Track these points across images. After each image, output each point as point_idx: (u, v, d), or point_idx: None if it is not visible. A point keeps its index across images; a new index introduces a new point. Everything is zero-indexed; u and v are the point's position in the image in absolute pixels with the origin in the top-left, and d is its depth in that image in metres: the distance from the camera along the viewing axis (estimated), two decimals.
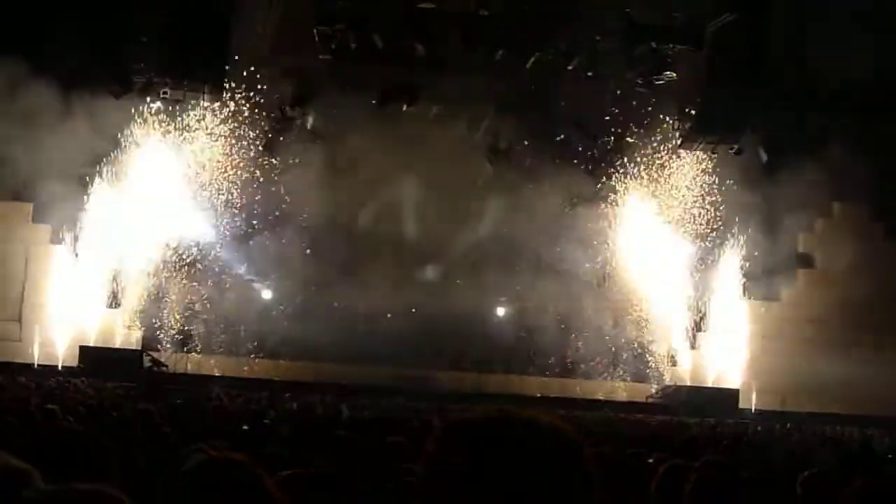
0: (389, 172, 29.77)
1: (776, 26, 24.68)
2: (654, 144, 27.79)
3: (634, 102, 27.30)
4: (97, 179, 26.44)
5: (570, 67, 27.32)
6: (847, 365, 27.48)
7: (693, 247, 28.60)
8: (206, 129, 27.04)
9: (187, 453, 4.63)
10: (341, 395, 20.64)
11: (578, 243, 28.63)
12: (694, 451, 10.14)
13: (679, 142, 26.63)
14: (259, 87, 27.62)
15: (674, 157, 27.83)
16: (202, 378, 24.66)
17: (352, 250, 29.58)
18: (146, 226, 27.21)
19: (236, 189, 28.16)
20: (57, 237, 26.54)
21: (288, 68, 28.12)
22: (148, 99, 25.78)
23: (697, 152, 26.85)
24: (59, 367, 24.89)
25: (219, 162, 27.50)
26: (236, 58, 25.84)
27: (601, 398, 26.84)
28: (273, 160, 29.12)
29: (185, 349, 28.00)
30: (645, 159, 28.16)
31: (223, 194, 28.05)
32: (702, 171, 27.75)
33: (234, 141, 27.34)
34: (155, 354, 27.06)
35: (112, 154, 26.47)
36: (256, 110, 27.86)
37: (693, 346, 28.91)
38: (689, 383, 27.95)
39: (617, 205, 28.69)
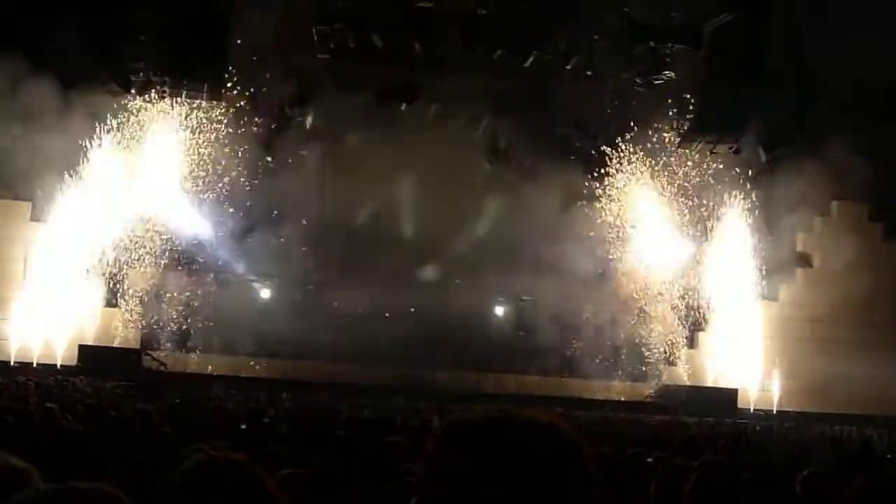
0: (389, 172, 29.76)
1: (775, 26, 24.69)
2: (653, 144, 27.80)
3: (633, 102, 27.31)
4: (98, 179, 26.41)
5: (568, 67, 27.33)
6: (846, 364, 27.51)
7: (692, 246, 28.61)
8: (205, 127, 27.03)
9: (186, 453, 4.63)
10: (340, 394, 20.63)
11: (577, 242, 28.63)
12: (693, 451, 10.14)
13: (678, 141, 26.63)
14: (258, 86, 27.62)
15: (672, 156, 27.83)
16: (201, 377, 24.65)
17: (351, 250, 29.57)
18: (145, 225, 27.23)
19: (235, 188, 28.15)
20: (54, 237, 26.49)
21: (287, 68, 28.11)
22: (147, 98, 25.77)
23: (696, 152, 26.85)
24: (58, 366, 24.88)
25: (218, 161, 27.47)
26: (235, 57, 25.83)
27: (600, 398, 26.83)
28: (272, 159, 29.12)
29: (184, 348, 27.98)
30: (644, 158, 28.16)
31: (222, 193, 28.04)
32: (700, 171, 27.75)
33: (233, 140, 27.32)
34: (154, 354, 27.05)
35: (111, 153, 26.44)
36: (256, 109, 27.85)
37: (692, 346, 28.93)
38: (688, 383, 27.97)
39: (616, 203, 28.68)
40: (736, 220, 28.17)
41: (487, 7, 26.04)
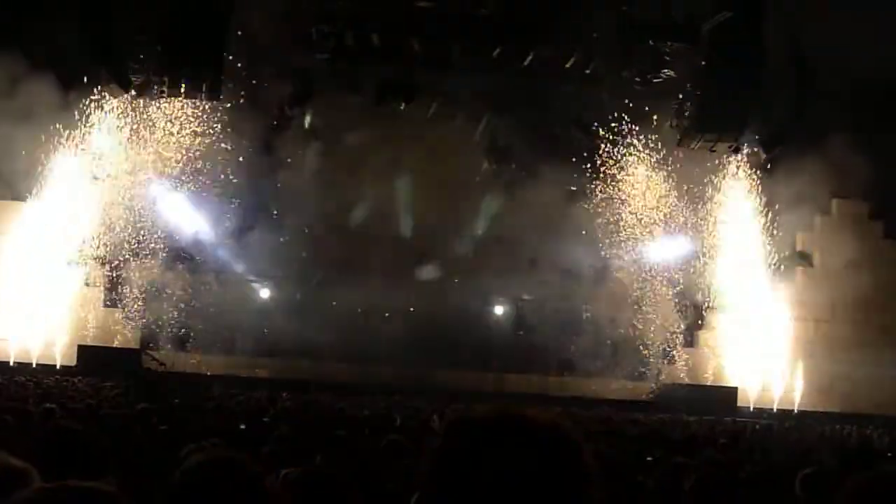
0: (388, 171, 29.77)
1: (774, 24, 24.66)
2: (652, 142, 27.79)
3: (632, 101, 27.29)
4: (97, 178, 26.40)
5: (567, 66, 27.31)
6: (846, 363, 27.52)
7: (691, 245, 28.61)
8: (205, 127, 27.01)
9: (186, 452, 4.63)
10: (340, 394, 20.62)
11: (577, 241, 28.64)
12: (693, 449, 10.15)
13: (677, 140, 26.61)
14: (258, 85, 27.60)
15: (672, 155, 27.81)
16: (200, 377, 24.64)
17: (350, 249, 29.57)
18: (145, 224, 27.23)
19: (235, 188, 28.14)
20: (53, 236, 26.49)
21: (286, 67, 28.10)
22: (146, 97, 25.75)
23: (696, 150, 26.83)
24: (58, 367, 24.87)
25: (217, 160, 27.46)
26: (235, 57, 25.82)
27: (600, 396, 26.82)
28: (271, 159, 29.11)
29: (184, 348, 27.98)
30: (643, 157, 28.16)
31: (222, 193, 28.03)
32: (700, 170, 27.73)
33: (232, 139, 27.31)
34: (153, 353, 27.05)
35: (112, 152, 26.44)
36: (255, 109, 27.82)
37: (691, 345, 28.94)
38: (687, 381, 27.98)
39: (615, 202, 28.67)
40: (736, 219, 28.16)
41: (486, 6, 26.02)
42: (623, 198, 28.54)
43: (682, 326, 28.77)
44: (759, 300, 28.33)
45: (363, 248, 29.60)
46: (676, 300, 28.64)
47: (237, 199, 28.53)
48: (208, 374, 26.01)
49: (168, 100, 25.53)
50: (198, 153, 27.16)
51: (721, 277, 28.38)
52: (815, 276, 28.96)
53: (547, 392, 26.83)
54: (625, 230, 28.82)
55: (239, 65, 26.31)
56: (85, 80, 24.81)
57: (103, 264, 26.96)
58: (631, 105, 27.33)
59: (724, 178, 27.87)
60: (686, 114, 25.84)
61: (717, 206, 28.12)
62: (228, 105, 26.51)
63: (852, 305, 27.95)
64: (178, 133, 26.81)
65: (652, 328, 28.60)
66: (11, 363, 24.74)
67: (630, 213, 28.66)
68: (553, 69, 27.49)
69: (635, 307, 28.69)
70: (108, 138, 26.31)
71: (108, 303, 27.45)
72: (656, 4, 25.78)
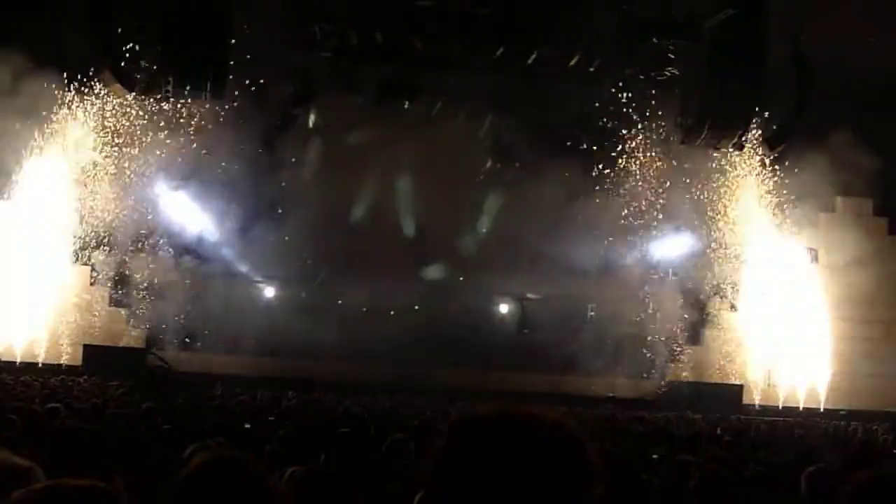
0: (390, 170, 29.79)
1: (776, 21, 24.60)
2: (656, 140, 27.76)
3: (635, 99, 27.25)
4: (98, 177, 26.44)
5: (571, 64, 27.29)
6: (851, 360, 27.48)
7: (696, 242, 28.58)
8: (208, 126, 27.02)
9: (190, 452, 4.64)
10: (344, 393, 20.64)
11: (580, 239, 28.61)
12: (697, 448, 10.15)
13: (681, 137, 26.58)
14: (260, 85, 27.61)
15: (675, 152, 27.78)
16: (205, 376, 24.66)
17: (353, 248, 29.58)
18: (149, 224, 27.27)
19: (238, 187, 28.16)
20: (54, 236, 26.51)
21: (289, 66, 28.11)
22: (150, 97, 25.76)
23: (699, 147, 26.79)
24: (63, 366, 24.91)
25: (220, 160, 27.48)
26: (237, 56, 25.83)
27: (604, 394, 26.82)
28: (274, 158, 29.13)
29: (189, 348, 28.02)
30: (646, 155, 28.13)
31: (225, 192, 28.06)
32: (704, 167, 27.70)
33: (235, 138, 27.32)
34: (158, 353, 27.09)
35: (113, 152, 26.47)
36: (258, 108, 27.84)
37: (696, 342, 28.91)
38: (692, 379, 27.96)
39: (619, 200, 28.64)
40: (740, 216, 28.12)
41: (489, 5, 26.01)
42: (627, 195, 28.51)
43: (687, 324, 28.75)
44: (765, 297, 28.28)
45: (367, 247, 29.61)
46: (681, 298, 28.62)
47: (240, 198, 28.56)
48: (213, 372, 26.04)
49: (171, 99, 25.54)
50: (201, 153, 27.18)
51: (726, 275, 28.35)
52: (821, 273, 28.90)
53: (551, 391, 26.82)
54: (629, 228, 28.80)
55: (241, 64, 26.32)
56: (87, 79, 24.84)
57: (108, 264, 26.99)
58: (634, 103, 27.30)
59: (727, 175, 27.83)
60: (690, 111, 25.79)
61: (722, 203, 28.08)
62: (231, 105, 26.54)
63: (857, 302, 27.90)
64: (180, 132, 26.83)
65: (656, 326, 28.58)
66: (17, 363, 24.79)
67: (634, 210, 28.62)
68: (555, 68, 27.47)
69: (640, 305, 28.67)
70: (111, 138, 26.32)
71: (113, 302, 27.50)
72: (656, 3, 25.74)
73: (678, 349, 28.74)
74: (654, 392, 27.96)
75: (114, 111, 26.08)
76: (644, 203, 28.49)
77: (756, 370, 27.82)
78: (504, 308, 32.09)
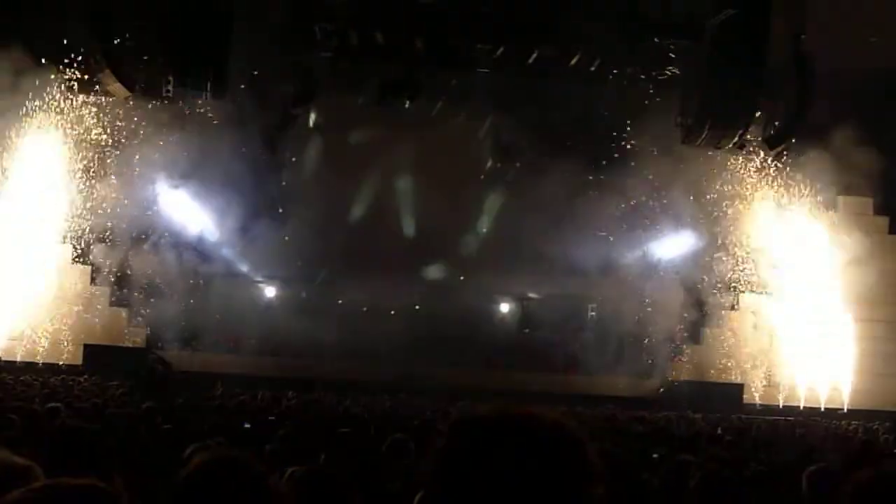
0: (392, 169, 29.80)
1: (777, 21, 24.60)
2: (657, 139, 27.75)
3: (637, 98, 27.25)
4: (98, 176, 26.44)
5: (572, 63, 27.28)
6: (852, 359, 27.46)
7: (697, 240, 28.59)
8: (209, 126, 27.03)
9: (190, 452, 4.64)
10: (344, 392, 20.65)
11: (581, 238, 28.62)
12: (698, 447, 10.14)
13: (682, 136, 26.58)
14: (261, 84, 27.62)
15: (676, 151, 27.78)
16: (205, 376, 24.67)
17: (354, 248, 29.60)
18: (150, 223, 27.29)
19: (239, 186, 28.16)
20: (55, 236, 26.52)
21: (289, 65, 28.11)
22: (151, 97, 25.77)
23: (700, 147, 26.80)
24: (63, 366, 24.92)
25: (221, 159, 27.48)
26: (238, 56, 25.84)
27: (604, 394, 26.81)
28: (275, 157, 29.13)
29: (190, 347, 28.03)
30: (648, 154, 28.13)
31: (226, 191, 28.06)
32: (705, 166, 27.70)
33: (236, 138, 27.33)
34: (159, 353, 27.10)
35: (113, 151, 26.48)
36: (258, 108, 27.85)
37: (697, 342, 28.91)
38: (692, 378, 27.95)
39: (620, 199, 28.64)
40: (741, 215, 28.13)
41: (489, 5, 26.00)
42: (628, 194, 28.52)
43: (688, 323, 28.75)
44: (766, 296, 28.28)
45: (367, 247, 29.63)
46: (682, 297, 28.62)
47: (241, 197, 28.56)
48: (213, 371, 26.06)
49: (172, 99, 25.55)
50: (202, 152, 27.18)
51: (727, 273, 28.34)
52: (822, 272, 28.85)
53: (552, 390, 26.81)
54: (629, 227, 28.79)
55: (242, 64, 26.33)
56: (87, 78, 24.84)
57: (109, 264, 27.00)
58: (635, 102, 27.30)
59: (729, 174, 27.83)
60: (690, 111, 25.79)
61: (723, 201, 28.08)
62: (232, 104, 26.54)
63: (858, 301, 27.88)
64: (181, 132, 26.83)
65: (657, 325, 28.58)
66: (17, 362, 24.79)
67: (635, 209, 28.62)
68: (556, 67, 27.47)
69: (640, 304, 28.67)
70: (111, 137, 26.33)
71: (114, 302, 27.50)
72: (657, 3, 25.74)
73: (679, 348, 28.74)
74: (655, 391, 27.95)
75: (114, 111, 26.09)
76: (644, 202, 28.49)
77: (757, 369, 27.81)
78: (505, 308, 32.10)
